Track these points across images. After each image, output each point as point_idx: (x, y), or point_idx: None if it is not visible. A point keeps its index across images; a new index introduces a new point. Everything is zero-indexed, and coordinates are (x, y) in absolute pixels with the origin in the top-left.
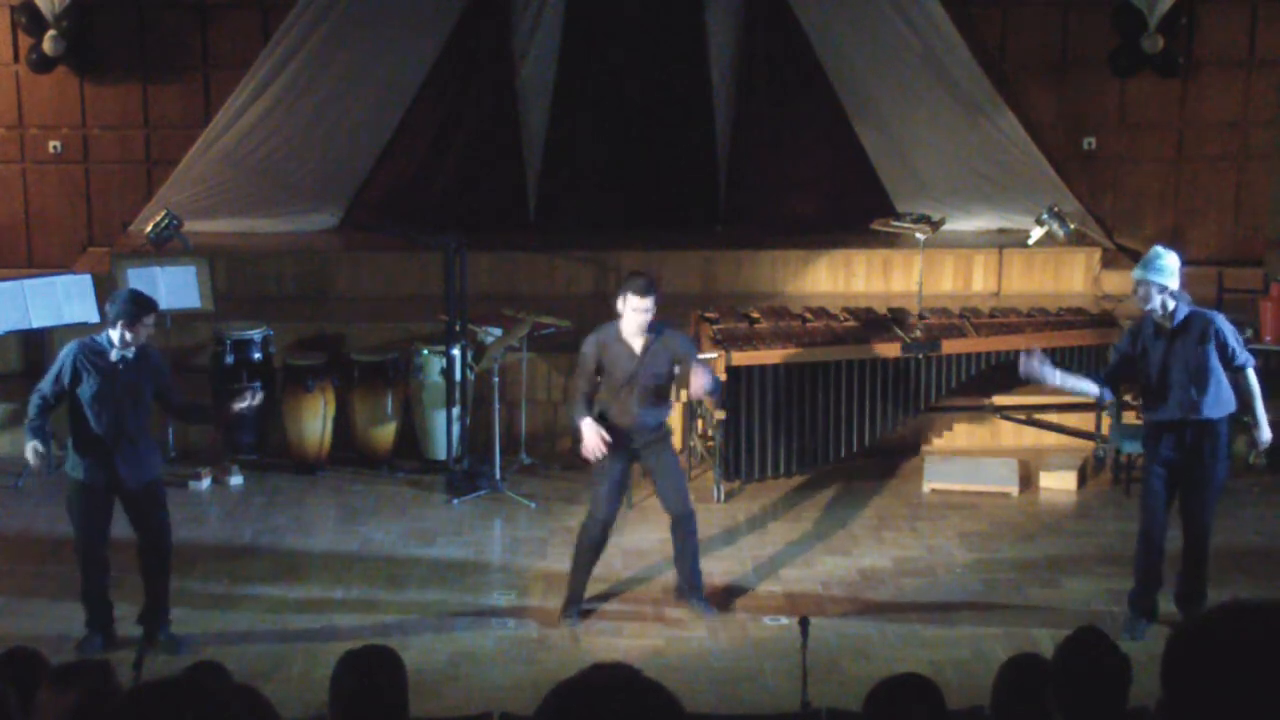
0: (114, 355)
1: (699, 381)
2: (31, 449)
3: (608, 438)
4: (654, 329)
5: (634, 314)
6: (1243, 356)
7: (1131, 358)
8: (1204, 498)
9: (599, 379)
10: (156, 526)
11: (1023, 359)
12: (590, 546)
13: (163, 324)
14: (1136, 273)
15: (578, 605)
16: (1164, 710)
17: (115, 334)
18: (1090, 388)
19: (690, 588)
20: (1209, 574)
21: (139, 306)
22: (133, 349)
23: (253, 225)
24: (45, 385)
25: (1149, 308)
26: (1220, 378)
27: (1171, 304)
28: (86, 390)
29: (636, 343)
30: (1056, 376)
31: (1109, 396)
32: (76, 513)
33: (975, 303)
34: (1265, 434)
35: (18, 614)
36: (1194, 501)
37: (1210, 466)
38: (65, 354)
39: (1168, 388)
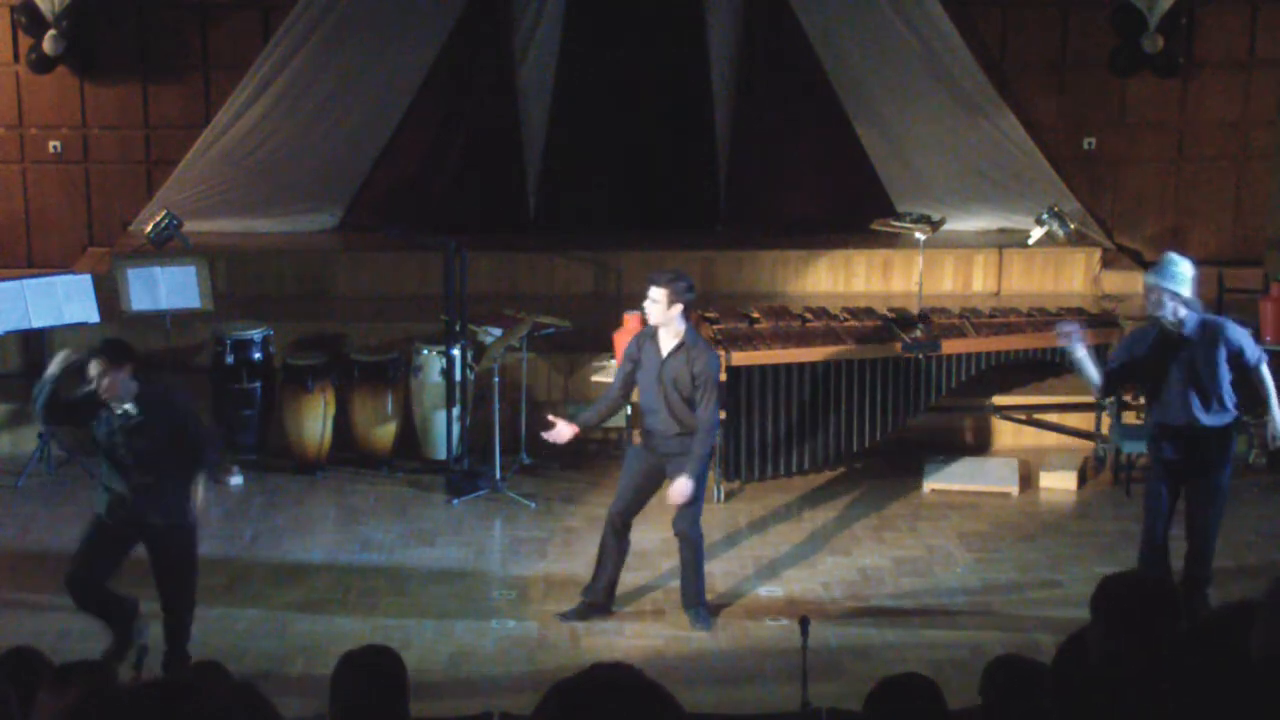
0: (117, 409)
1: (677, 489)
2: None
3: (566, 438)
4: (689, 338)
5: (647, 304)
6: (1254, 354)
7: (1133, 363)
8: (1210, 508)
9: (633, 379)
10: (174, 571)
11: (1063, 325)
12: (605, 539)
13: (163, 324)
14: (1149, 278)
15: (587, 598)
16: (1168, 710)
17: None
18: (1095, 379)
19: (685, 599)
20: (1211, 575)
21: (105, 353)
22: (135, 405)
23: (253, 225)
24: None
25: (1160, 314)
26: (1226, 386)
27: (1183, 311)
28: (100, 433)
29: (666, 345)
30: (1080, 350)
31: (1106, 395)
32: (80, 541)
33: (975, 303)
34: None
35: (18, 614)
36: (1200, 512)
37: (1215, 476)
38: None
39: (1171, 394)
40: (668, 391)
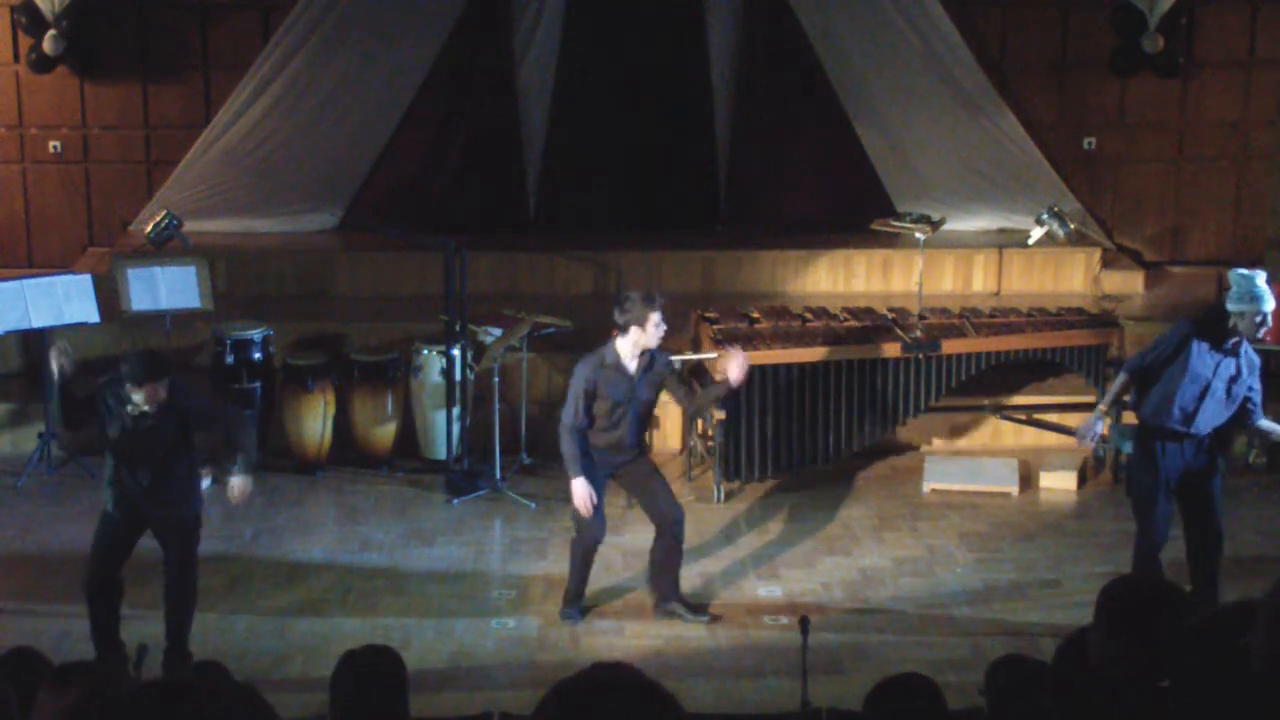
0: (130, 409)
1: (735, 370)
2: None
3: (595, 499)
4: (646, 350)
5: (655, 330)
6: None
7: (1159, 366)
8: (1219, 510)
9: (590, 410)
10: (177, 564)
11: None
12: (583, 559)
13: (163, 324)
14: (1248, 306)
15: (578, 603)
16: (1168, 710)
17: (129, 390)
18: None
19: (673, 594)
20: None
21: (148, 371)
22: (152, 406)
23: (253, 225)
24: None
25: (1258, 336)
26: None
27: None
28: (111, 431)
29: (632, 365)
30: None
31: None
32: (93, 541)
33: (975, 303)
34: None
35: (18, 614)
36: (1211, 515)
37: (1214, 477)
38: (100, 385)
39: (1203, 405)
40: (640, 407)
